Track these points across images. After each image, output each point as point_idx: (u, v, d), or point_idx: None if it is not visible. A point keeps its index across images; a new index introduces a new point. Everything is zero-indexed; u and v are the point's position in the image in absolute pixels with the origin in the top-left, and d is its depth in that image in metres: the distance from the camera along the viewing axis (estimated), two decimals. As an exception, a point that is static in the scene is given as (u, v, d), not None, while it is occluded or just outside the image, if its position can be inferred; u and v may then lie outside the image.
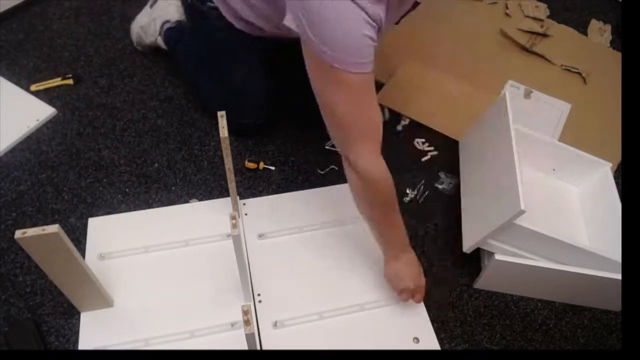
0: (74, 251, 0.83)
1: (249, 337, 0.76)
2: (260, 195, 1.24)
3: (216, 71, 1.29)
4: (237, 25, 1.15)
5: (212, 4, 1.15)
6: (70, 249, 0.82)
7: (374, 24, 0.80)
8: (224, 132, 0.91)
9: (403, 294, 1.01)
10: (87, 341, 0.97)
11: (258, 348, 0.96)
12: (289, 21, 0.84)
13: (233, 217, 0.79)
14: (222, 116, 0.91)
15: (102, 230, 1.13)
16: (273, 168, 1.30)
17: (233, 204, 1.15)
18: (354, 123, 0.86)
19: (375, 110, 0.88)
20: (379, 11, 0.80)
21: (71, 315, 1.01)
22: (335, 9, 0.76)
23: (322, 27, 0.78)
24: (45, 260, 0.83)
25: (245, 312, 0.76)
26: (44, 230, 0.76)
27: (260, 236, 1.15)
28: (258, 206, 1.21)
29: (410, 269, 1.00)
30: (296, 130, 1.40)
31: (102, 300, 0.99)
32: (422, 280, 1.01)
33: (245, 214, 1.19)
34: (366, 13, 0.77)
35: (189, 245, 1.12)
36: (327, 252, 1.14)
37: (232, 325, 1.01)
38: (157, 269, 1.08)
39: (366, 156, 0.88)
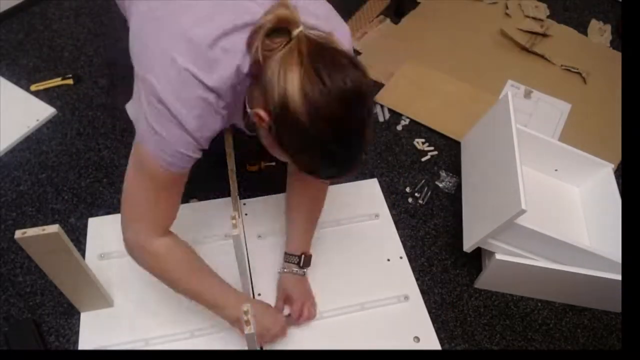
0: (74, 251, 0.83)
1: (249, 337, 0.76)
2: (261, 196, 1.24)
3: None
4: None
5: None
6: (70, 249, 0.82)
7: (197, 146, 0.78)
8: (229, 138, 0.90)
9: (272, 340, 0.96)
10: (87, 341, 0.97)
11: (258, 348, 0.96)
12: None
13: (233, 217, 0.79)
14: (228, 131, 0.91)
15: (102, 230, 1.13)
16: (274, 163, 1.30)
17: (233, 204, 1.15)
18: (143, 209, 0.82)
19: (172, 206, 0.85)
20: (213, 127, 0.77)
21: (71, 315, 1.01)
22: (167, 126, 0.74)
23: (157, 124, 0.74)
24: (45, 260, 0.83)
25: (246, 312, 0.76)
26: (44, 230, 0.76)
27: (260, 236, 1.15)
28: (258, 206, 1.21)
29: (262, 319, 0.92)
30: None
31: (102, 300, 0.99)
32: (280, 319, 0.96)
33: (246, 214, 1.19)
34: (193, 139, 0.75)
35: (190, 245, 1.12)
36: (326, 252, 1.14)
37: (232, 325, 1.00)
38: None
39: (145, 233, 0.83)
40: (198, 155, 0.80)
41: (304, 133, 0.67)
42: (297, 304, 1.00)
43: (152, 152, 0.76)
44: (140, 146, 0.77)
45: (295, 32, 0.67)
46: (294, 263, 1.03)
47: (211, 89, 0.72)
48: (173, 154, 0.76)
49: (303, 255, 1.03)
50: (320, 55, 0.66)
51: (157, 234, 0.84)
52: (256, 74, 0.72)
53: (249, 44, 0.70)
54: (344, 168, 0.73)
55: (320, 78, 0.64)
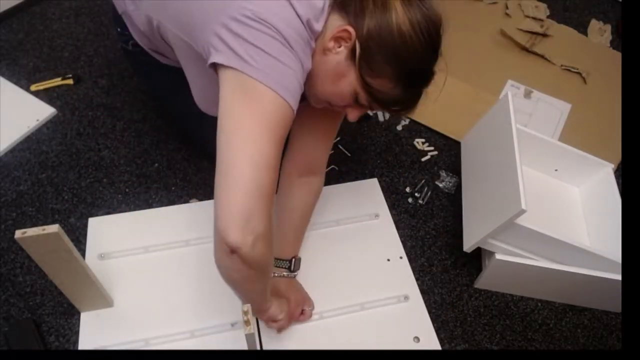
0: (74, 251, 0.83)
1: (249, 337, 0.75)
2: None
3: (171, 113, 1.26)
4: (163, 61, 1.03)
5: (134, 42, 1.01)
6: (70, 248, 0.82)
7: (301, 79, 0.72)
8: None
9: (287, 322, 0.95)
10: (87, 341, 0.97)
11: (258, 348, 0.96)
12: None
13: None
14: None
15: (102, 230, 1.13)
16: None
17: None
18: (265, 172, 0.66)
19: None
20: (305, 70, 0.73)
21: (71, 315, 1.01)
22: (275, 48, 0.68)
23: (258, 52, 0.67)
24: (45, 260, 0.83)
25: (246, 312, 0.76)
26: (44, 230, 0.76)
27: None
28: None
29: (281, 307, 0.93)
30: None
31: (102, 300, 0.99)
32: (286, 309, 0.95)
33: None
34: (302, 65, 0.71)
35: (189, 245, 1.12)
36: (326, 251, 1.14)
37: (232, 325, 1.00)
38: (157, 268, 1.08)
39: (266, 212, 0.67)
40: (302, 88, 0.72)
41: (404, 57, 0.72)
42: (293, 305, 0.98)
43: (268, 80, 0.64)
44: (250, 80, 0.64)
45: None
46: (284, 267, 1.00)
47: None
48: (289, 79, 0.67)
49: (294, 259, 1.01)
50: None
51: (269, 214, 0.68)
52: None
53: None
54: (412, 98, 0.79)
55: (419, 7, 0.72)
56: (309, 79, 0.77)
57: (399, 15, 0.70)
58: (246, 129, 0.65)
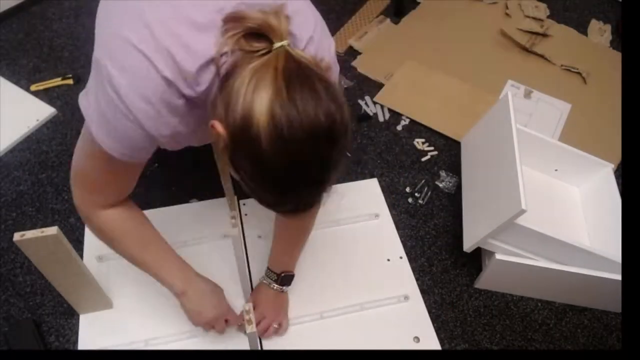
0: (72, 253, 0.83)
1: (251, 336, 0.76)
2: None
3: None
4: None
5: None
6: (69, 250, 0.82)
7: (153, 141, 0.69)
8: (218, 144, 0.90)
9: (207, 328, 0.93)
10: (86, 343, 0.97)
11: (259, 346, 0.96)
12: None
13: (233, 217, 0.79)
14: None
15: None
16: None
17: (230, 204, 1.15)
18: (94, 186, 0.79)
19: (127, 184, 0.83)
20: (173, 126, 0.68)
21: (71, 315, 1.01)
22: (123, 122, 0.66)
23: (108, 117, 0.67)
24: (44, 262, 0.83)
25: (247, 312, 0.76)
26: (42, 232, 0.76)
27: (260, 236, 1.15)
28: (258, 206, 1.21)
29: (205, 298, 0.90)
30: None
31: (101, 302, 0.99)
32: (223, 307, 0.93)
33: (245, 214, 1.19)
34: (148, 135, 0.67)
35: (188, 245, 1.12)
36: (326, 252, 1.14)
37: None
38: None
39: (93, 205, 0.81)
40: (154, 147, 0.71)
41: (260, 159, 0.57)
42: (260, 317, 0.98)
43: (105, 144, 0.68)
44: (90, 132, 0.69)
45: (278, 44, 0.57)
46: (272, 280, 1.00)
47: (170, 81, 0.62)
48: (127, 149, 0.68)
49: (283, 274, 1.00)
50: (299, 77, 0.56)
51: (108, 206, 0.82)
52: (224, 80, 0.61)
53: (224, 32, 0.60)
54: (296, 207, 0.66)
55: (293, 103, 0.54)
56: None
57: (261, 114, 0.55)
58: (85, 156, 0.77)
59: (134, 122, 0.64)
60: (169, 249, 0.89)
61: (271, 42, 0.58)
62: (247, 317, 0.76)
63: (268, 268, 1.02)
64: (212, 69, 0.62)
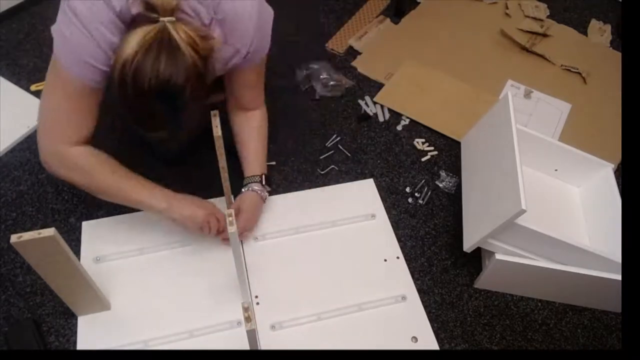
0: (70, 254, 0.83)
1: (250, 334, 0.75)
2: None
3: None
4: None
5: None
6: (67, 252, 0.81)
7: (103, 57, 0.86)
8: (217, 130, 0.91)
9: (205, 228, 1.03)
10: (85, 345, 0.97)
11: (258, 346, 0.96)
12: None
13: (230, 215, 0.79)
14: (214, 115, 0.91)
15: (97, 233, 1.13)
16: (274, 163, 1.31)
17: (228, 204, 1.15)
18: (58, 118, 0.92)
19: (87, 117, 0.94)
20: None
21: (71, 315, 1.01)
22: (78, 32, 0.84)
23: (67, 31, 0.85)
24: (42, 264, 0.82)
25: (246, 309, 0.76)
26: (39, 234, 0.75)
27: (256, 238, 1.15)
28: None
29: (191, 203, 1.03)
30: (296, 130, 1.40)
31: (99, 303, 0.99)
32: (209, 205, 1.06)
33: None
34: (99, 47, 0.85)
35: (186, 245, 1.12)
36: (324, 252, 1.14)
37: (231, 325, 1.01)
38: (153, 270, 1.08)
39: (61, 140, 0.92)
40: (105, 67, 0.86)
41: (123, 90, 0.80)
42: (245, 223, 1.10)
43: (62, 59, 0.85)
44: (54, 55, 0.86)
45: (163, 19, 0.76)
46: (255, 182, 1.11)
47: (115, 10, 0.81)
48: (79, 63, 0.84)
49: (263, 174, 1.12)
50: (159, 46, 0.76)
51: (74, 143, 0.92)
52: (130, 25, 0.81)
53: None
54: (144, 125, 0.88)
55: (155, 58, 0.76)
56: None
57: (129, 56, 0.77)
58: (48, 91, 0.93)
59: (87, 36, 0.82)
60: (140, 176, 0.99)
61: (159, 15, 0.76)
62: (245, 315, 0.76)
63: (247, 176, 1.12)
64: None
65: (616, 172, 1.32)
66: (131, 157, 1.25)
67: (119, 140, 1.29)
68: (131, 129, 0.91)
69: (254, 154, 1.14)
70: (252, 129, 1.14)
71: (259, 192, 1.11)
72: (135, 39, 0.76)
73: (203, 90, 0.84)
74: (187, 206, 1.02)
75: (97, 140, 1.00)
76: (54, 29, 0.86)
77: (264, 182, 1.12)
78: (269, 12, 0.98)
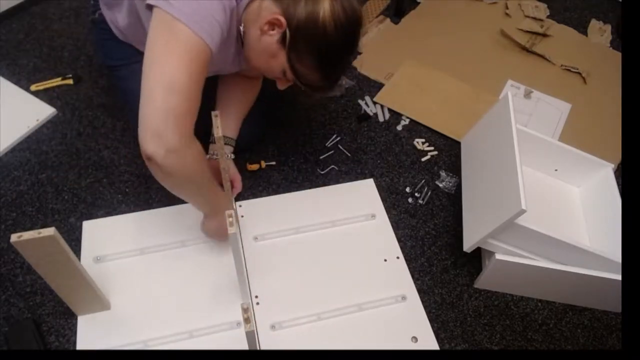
0: (70, 254, 0.83)
1: (249, 335, 0.75)
2: (261, 196, 1.24)
3: (119, 87, 1.25)
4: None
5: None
6: (67, 252, 0.81)
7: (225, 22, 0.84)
8: (218, 131, 0.91)
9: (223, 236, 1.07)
10: (84, 345, 0.97)
11: (257, 347, 0.96)
12: None
13: (229, 216, 0.79)
14: (215, 116, 0.91)
15: (97, 233, 1.13)
16: (274, 163, 1.31)
17: (228, 204, 1.15)
18: (183, 95, 0.78)
19: (200, 97, 0.83)
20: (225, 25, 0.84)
21: (71, 315, 1.01)
22: None
23: None
24: (42, 263, 0.82)
25: (245, 310, 0.76)
26: (39, 233, 0.75)
27: (256, 238, 1.15)
28: (254, 208, 1.21)
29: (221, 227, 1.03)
30: (296, 130, 1.40)
31: (99, 303, 0.99)
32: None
33: (242, 216, 1.19)
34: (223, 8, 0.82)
35: (186, 245, 1.12)
36: (324, 252, 1.14)
37: (231, 325, 1.00)
38: (153, 270, 1.08)
39: (189, 128, 0.82)
40: (224, 34, 0.83)
41: (321, 44, 0.82)
42: (236, 177, 1.16)
43: (185, 19, 0.75)
44: (171, 19, 0.76)
45: None
46: (229, 144, 1.14)
47: None
48: (208, 20, 0.78)
49: (234, 141, 1.15)
50: None
51: (192, 130, 0.82)
52: None
53: None
54: (330, 84, 0.90)
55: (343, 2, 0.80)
56: (246, 52, 0.94)
57: (326, 12, 0.80)
58: (162, 59, 0.77)
59: None
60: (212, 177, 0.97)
61: None
62: (245, 316, 0.76)
63: (226, 136, 1.13)
64: None
65: (616, 172, 1.32)
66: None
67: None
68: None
69: (237, 115, 1.15)
70: (238, 91, 1.15)
71: (229, 156, 1.15)
72: None
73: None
74: (218, 227, 1.04)
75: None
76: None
77: (233, 148, 1.16)
78: None
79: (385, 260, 1.14)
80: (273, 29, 0.84)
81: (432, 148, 1.40)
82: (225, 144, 1.13)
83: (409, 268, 1.13)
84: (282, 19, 0.82)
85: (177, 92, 0.77)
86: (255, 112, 1.24)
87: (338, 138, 1.39)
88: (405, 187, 1.31)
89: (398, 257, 1.15)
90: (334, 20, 0.81)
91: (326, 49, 0.84)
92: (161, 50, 0.77)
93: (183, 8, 0.76)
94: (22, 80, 1.44)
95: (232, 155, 1.17)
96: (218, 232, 1.05)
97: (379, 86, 1.54)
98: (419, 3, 1.84)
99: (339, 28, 0.81)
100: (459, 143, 1.38)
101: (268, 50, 0.87)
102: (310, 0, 0.80)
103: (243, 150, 1.30)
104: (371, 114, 1.47)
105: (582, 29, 1.84)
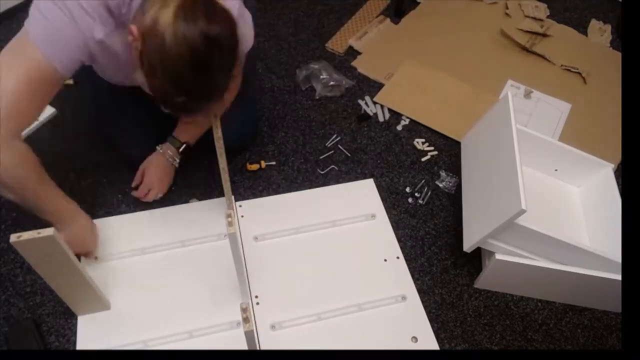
0: (70, 254, 0.83)
1: (248, 335, 0.75)
2: (261, 196, 1.24)
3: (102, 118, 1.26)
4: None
5: None
6: (67, 252, 0.82)
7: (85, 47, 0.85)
8: (217, 132, 0.91)
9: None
10: (84, 345, 0.97)
11: (257, 347, 0.96)
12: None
13: (229, 215, 0.79)
14: (215, 117, 0.91)
15: (97, 233, 1.13)
16: (274, 163, 1.31)
17: (228, 204, 1.15)
18: (11, 102, 0.83)
19: (38, 108, 0.90)
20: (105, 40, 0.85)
21: (71, 315, 1.01)
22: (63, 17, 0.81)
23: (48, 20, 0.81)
24: (42, 263, 0.82)
25: (244, 310, 0.76)
26: (39, 233, 0.75)
27: (256, 238, 1.15)
28: (254, 208, 1.21)
29: (85, 234, 1.04)
30: (296, 130, 1.40)
31: (99, 303, 0.99)
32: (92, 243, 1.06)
33: (242, 216, 1.19)
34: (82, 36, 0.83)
35: (186, 245, 1.12)
36: (324, 252, 1.14)
37: (231, 325, 1.00)
38: (153, 270, 1.08)
39: (7, 131, 0.84)
40: (84, 58, 0.86)
41: (164, 55, 0.74)
42: (148, 186, 1.14)
43: (37, 39, 0.80)
44: (27, 34, 0.81)
45: None
46: (175, 146, 1.14)
47: None
48: (59, 46, 0.81)
49: (185, 144, 1.15)
50: (198, 2, 0.74)
51: (17, 135, 0.85)
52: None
53: None
54: (186, 108, 0.80)
55: (193, 13, 0.72)
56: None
57: (166, 26, 0.72)
58: (8, 70, 0.82)
59: (70, 18, 0.80)
60: (61, 191, 0.99)
61: None
62: (244, 316, 0.76)
63: (173, 136, 1.14)
64: None
65: (616, 172, 1.32)
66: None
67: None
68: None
69: (197, 123, 1.13)
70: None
71: (169, 157, 1.14)
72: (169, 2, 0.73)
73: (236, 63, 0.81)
74: (80, 234, 1.03)
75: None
76: (34, 8, 0.82)
77: (181, 150, 1.15)
78: (248, 14, 0.99)
79: (385, 260, 1.14)
80: (133, 39, 0.78)
81: (432, 148, 1.40)
82: (175, 147, 1.14)
83: (409, 268, 1.13)
84: (134, 30, 0.76)
85: (15, 111, 0.83)
86: (244, 114, 1.23)
87: (338, 138, 1.39)
88: (405, 187, 1.31)
89: (398, 257, 1.15)
90: (174, 35, 0.72)
91: (165, 66, 0.75)
92: (5, 59, 0.83)
93: (38, 28, 0.81)
94: (22, 80, 1.44)
95: (177, 161, 1.16)
96: (73, 243, 0.92)
97: (379, 86, 1.54)
98: (419, 3, 1.84)
99: (179, 45, 0.73)
100: (459, 143, 1.38)
101: (135, 62, 0.81)
102: (156, 7, 0.74)
103: (234, 152, 1.30)
104: (371, 114, 1.47)
105: (582, 29, 1.84)
